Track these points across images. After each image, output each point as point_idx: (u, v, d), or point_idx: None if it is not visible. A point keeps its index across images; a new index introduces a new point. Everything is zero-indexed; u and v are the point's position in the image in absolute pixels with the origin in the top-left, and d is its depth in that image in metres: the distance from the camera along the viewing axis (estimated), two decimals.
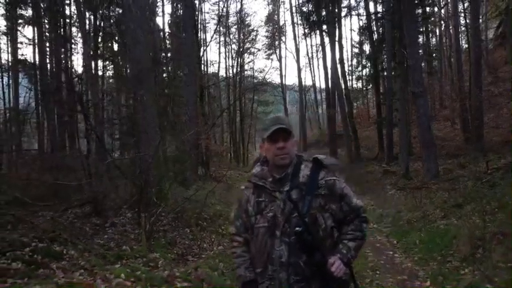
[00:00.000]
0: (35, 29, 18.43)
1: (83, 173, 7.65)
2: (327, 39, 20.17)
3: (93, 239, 5.46)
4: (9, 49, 17.81)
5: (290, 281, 1.68)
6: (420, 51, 13.45)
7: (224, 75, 31.09)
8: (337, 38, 19.46)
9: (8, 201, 6.01)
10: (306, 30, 25.72)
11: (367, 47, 25.90)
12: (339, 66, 18.98)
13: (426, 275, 4.57)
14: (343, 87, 19.11)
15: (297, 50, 30.25)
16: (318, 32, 21.21)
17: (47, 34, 15.56)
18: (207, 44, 23.55)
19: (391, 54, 14.02)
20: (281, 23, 35.87)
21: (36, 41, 18.14)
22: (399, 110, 13.17)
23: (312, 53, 31.44)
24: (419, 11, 19.97)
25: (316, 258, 1.65)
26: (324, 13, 18.88)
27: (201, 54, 19.31)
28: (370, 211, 9.01)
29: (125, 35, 7.89)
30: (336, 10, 18.82)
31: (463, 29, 22.15)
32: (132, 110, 7.64)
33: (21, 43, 18.13)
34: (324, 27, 19.61)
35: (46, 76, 12.53)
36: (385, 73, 16.79)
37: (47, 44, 15.48)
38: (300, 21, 27.05)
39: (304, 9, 21.19)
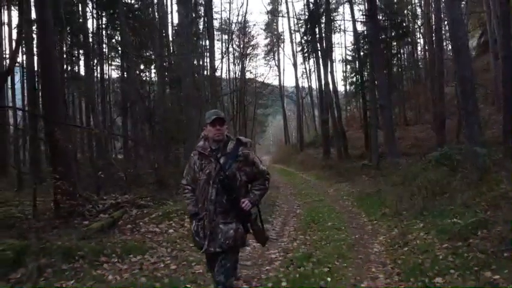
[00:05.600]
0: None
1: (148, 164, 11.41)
2: (319, 54, 23.97)
3: (174, 197, 9.16)
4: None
5: (216, 211, 2.76)
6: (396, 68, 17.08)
7: (226, 79, 34.10)
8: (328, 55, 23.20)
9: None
10: (304, 56, 29.47)
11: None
12: (330, 78, 22.72)
13: (364, 213, 8.32)
14: (333, 96, 22.78)
15: (295, 64, 33.74)
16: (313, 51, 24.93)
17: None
18: (221, 60, 26.66)
19: (370, 74, 17.76)
20: (280, 30, 38.55)
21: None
22: (371, 117, 16.88)
23: (308, 66, 34.71)
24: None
25: (232, 197, 2.73)
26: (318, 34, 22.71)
27: (216, 66, 22.63)
28: (346, 191, 12.70)
29: (179, 69, 11.54)
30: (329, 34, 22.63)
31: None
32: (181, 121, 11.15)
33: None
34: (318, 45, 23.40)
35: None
36: (366, 84, 20.63)
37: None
38: (298, 30, 30.57)
39: (303, 39, 25.15)
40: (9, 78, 13.40)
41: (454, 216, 6.12)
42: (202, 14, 21.35)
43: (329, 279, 4.30)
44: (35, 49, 15.11)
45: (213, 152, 2.80)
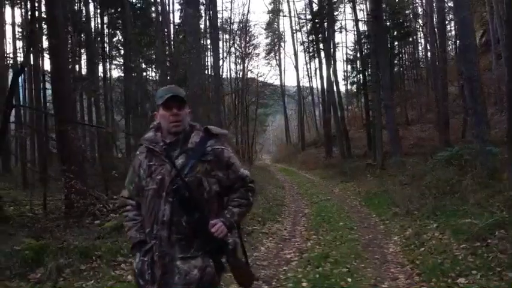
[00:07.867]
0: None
1: None
2: (322, 54, 24.02)
3: None
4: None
5: (172, 239, 1.81)
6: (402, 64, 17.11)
7: (227, 79, 34.00)
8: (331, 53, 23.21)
9: None
10: (308, 55, 29.54)
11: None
12: (332, 78, 22.70)
13: (374, 213, 8.31)
14: (336, 95, 22.76)
15: (296, 63, 33.74)
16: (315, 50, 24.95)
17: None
18: (223, 60, 26.60)
19: (374, 74, 17.80)
20: (281, 29, 38.57)
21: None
22: (376, 117, 16.89)
23: (310, 65, 34.71)
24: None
25: (196, 218, 1.78)
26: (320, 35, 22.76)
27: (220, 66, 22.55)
28: (352, 190, 12.69)
29: (187, 68, 11.57)
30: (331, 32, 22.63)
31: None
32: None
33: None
34: (321, 45, 23.43)
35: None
36: (368, 84, 20.69)
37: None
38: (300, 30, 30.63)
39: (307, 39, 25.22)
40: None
41: (469, 216, 6.11)
42: (203, 14, 21.35)
43: (349, 279, 4.28)
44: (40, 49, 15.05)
45: (168, 147, 1.90)
